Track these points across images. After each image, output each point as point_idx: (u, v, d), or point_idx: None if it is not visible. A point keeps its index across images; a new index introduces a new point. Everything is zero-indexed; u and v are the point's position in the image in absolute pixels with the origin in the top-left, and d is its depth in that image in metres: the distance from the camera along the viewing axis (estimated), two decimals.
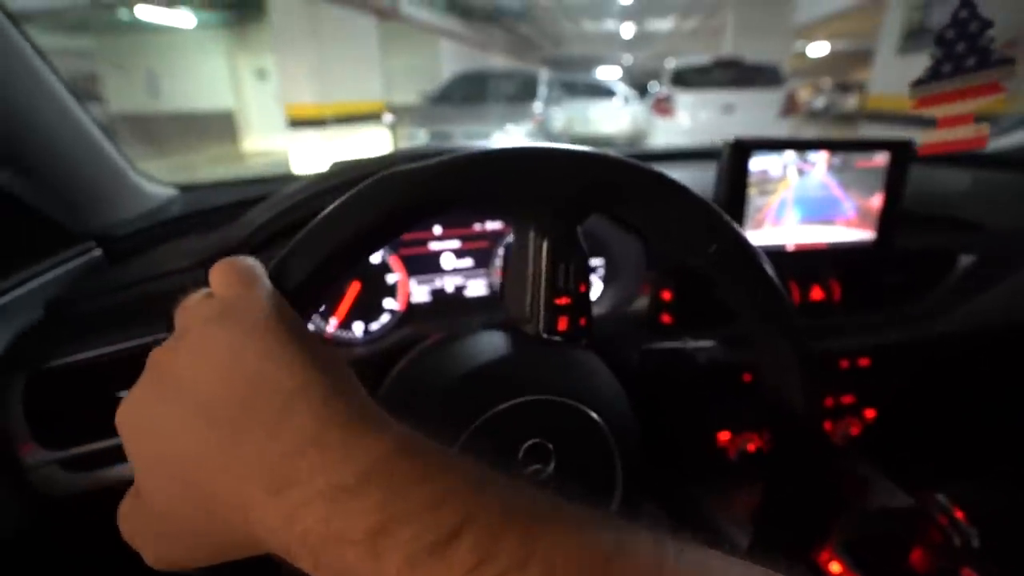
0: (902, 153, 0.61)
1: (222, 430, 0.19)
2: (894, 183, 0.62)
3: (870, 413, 0.73)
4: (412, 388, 0.44)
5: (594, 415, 0.39)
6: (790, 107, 5.43)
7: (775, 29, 9.39)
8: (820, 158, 0.61)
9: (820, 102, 13.01)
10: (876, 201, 0.63)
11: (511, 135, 5.39)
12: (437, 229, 0.60)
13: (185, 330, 0.22)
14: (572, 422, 0.39)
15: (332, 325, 0.56)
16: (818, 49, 14.79)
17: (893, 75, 5.55)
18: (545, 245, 0.30)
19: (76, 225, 0.59)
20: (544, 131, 5.71)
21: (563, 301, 0.32)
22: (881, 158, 0.62)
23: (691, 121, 5.61)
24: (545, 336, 0.32)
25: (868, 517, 0.62)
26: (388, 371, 0.48)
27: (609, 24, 12.27)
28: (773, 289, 0.32)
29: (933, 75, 0.37)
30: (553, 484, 0.31)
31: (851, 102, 11.50)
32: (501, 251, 0.62)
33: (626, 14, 10.80)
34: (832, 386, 0.70)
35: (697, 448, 0.70)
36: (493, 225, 0.62)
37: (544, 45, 14.54)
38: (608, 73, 17.08)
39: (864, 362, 0.69)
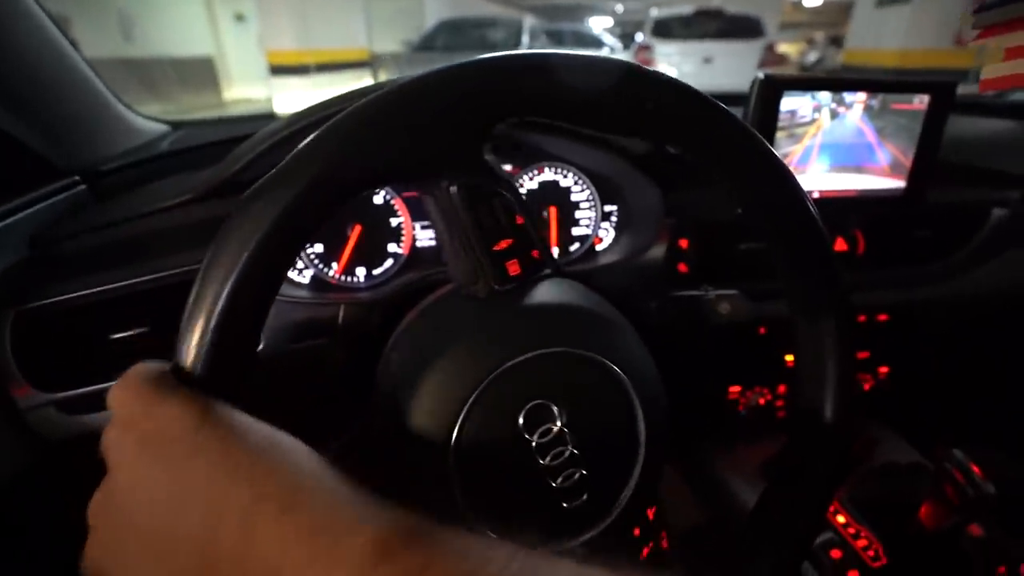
0: (943, 96, 0.57)
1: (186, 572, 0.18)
2: (932, 129, 0.59)
3: (883, 370, 0.72)
4: (408, 360, 0.35)
5: (606, 362, 0.32)
6: (770, 59, 5.47)
7: None
8: (856, 99, 0.58)
9: (812, 56, 12.86)
10: (910, 148, 0.60)
11: None
12: None
13: (113, 470, 0.21)
14: (578, 376, 0.32)
15: (335, 270, 0.55)
16: (813, 0, 14.44)
17: (871, 29, 5.57)
18: (454, 194, 0.28)
19: (60, 159, 0.56)
20: None
21: (503, 244, 0.30)
22: (920, 101, 0.58)
23: (671, 72, 5.65)
24: (499, 288, 0.30)
25: (876, 472, 0.61)
26: (393, 321, 0.41)
27: None
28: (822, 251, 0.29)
29: (990, 2, 0.35)
30: (564, 446, 0.30)
31: (840, 57, 11.42)
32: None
33: None
34: None
35: (708, 401, 0.69)
36: (503, 166, 0.60)
37: None
38: (600, 23, 16.58)
39: (882, 317, 0.67)
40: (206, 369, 0.22)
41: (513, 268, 0.30)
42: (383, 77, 6.82)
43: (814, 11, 15.46)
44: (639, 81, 0.26)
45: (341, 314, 0.51)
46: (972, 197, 0.70)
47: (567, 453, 0.30)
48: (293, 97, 6.54)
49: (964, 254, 0.70)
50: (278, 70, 6.61)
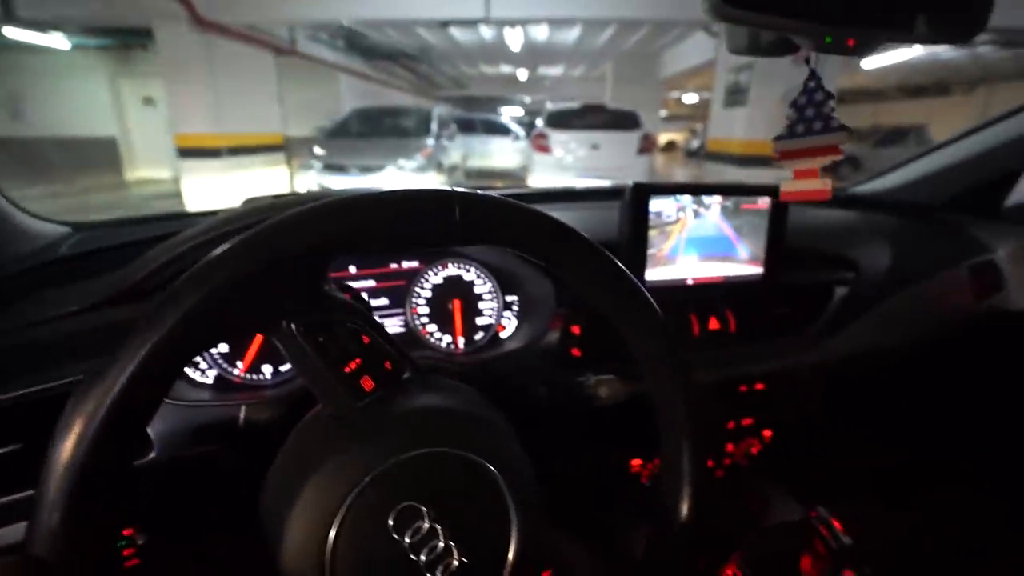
0: (779, 200, 0.68)
1: None
2: (776, 223, 0.70)
3: (767, 433, 0.79)
4: (279, 484, 0.34)
5: (464, 454, 0.33)
6: (646, 146, 6.34)
7: (645, 80, 10.79)
8: (714, 201, 0.68)
9: (696, 143, 14.85)
10: (761, 240, 0.71)
11: (403, 169, 5.73)
12: (352, 268, 0.61)
13: None
14: (440, 471, 0.33)
15: (239, 369, 0.54)
16: (690, 98, 16.90)
17: (723, 123, 6.72)
18: (296, 332, 0.30)
19: None
20: (434, 163, 6.14)
21: (352, 366, 0.32)
22: (764, 202, 0.69)
23: (564, 156, 6.36)
24: (359, 405, 0.32)
25: (767, 532, 0.65)
26: (296, 418, 0.39)
27: (505, 68, 13.18)
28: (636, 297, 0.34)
29: (790, 133, 0.42)
30: (436, 539, 0.31)
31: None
32: (417, 289, 0.63)
33: (520, 61, 11.76)
34: (733, 410, 0.76)
35: (611, 475, 0.73)
36: (408, 263, 0.63)
37: (445, 84, 15.21)
38: (510, 111, 18.18)
39: (760, 386, 0.74)
40: (58, 557, 0.22)
41: (367, 384, 0.33)
42: (296, 162, 7.02)
43: (692, 106, 18.08)
44: (445, 200, 0.30)
45: (242, 415, 0.50)
46: (819, 278, 0.81)
47: (440, 547, 0.31)
48: (201, 180, 6.57)
49: (818, 327, 0.80)
50: (187, 152, 6.64)
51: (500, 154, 9.15)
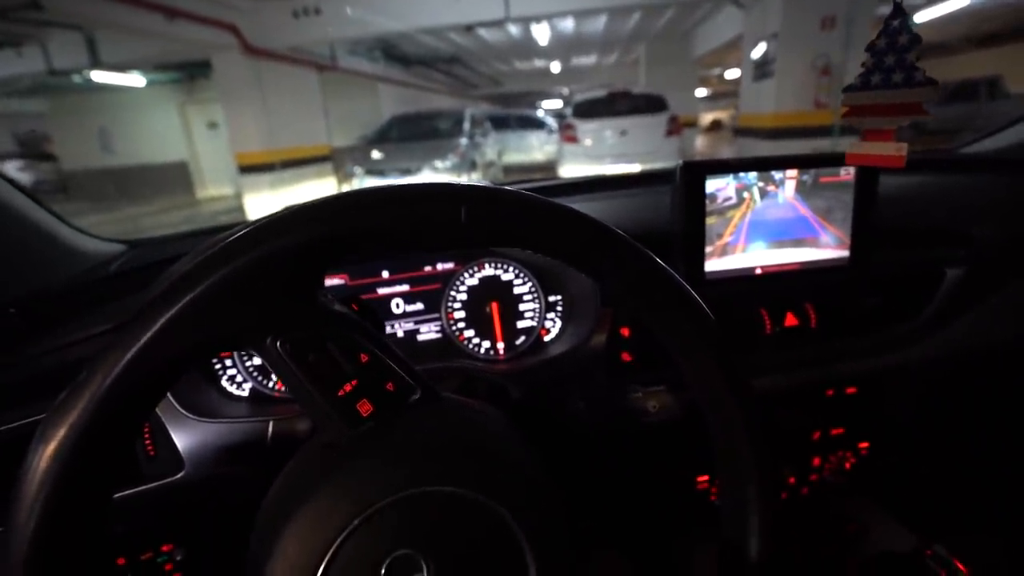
0: (868, 168, 0.58)
1: None
2: (864, 197, 0.59)
3: (863, 445, 0.68)
4: (269, 519, 0.30)
5: (473, 495, 0.29)
6: (673, 128, 6.35)
7: (678, 60, 10.64)
8: (787, 177, 0.58)
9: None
10: (847, 218, 0.60)
11: (438, 169, 6.06)
12: (385, 273, 0.58)
13: None
14: (442, 515, 0.28)
15: (275, 382, 0.53)
16: (732, 73, 16.36)
17: (753, 97, 6.60)
18: (283, 351, 0.27)
19: None
20: (468, 162, 6.44)
21: (348, 388, 0.29)
22: (847, 172, 0.59)
23: (592, 144, 6.48)
24: (354, 433, 0.29)
25: (871, 564, 0.58)
26: None
27: (538, 62, 13.33)
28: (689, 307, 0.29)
29: (863, 83, 0.37)
30: None
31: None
32: (452, 292, 0.60)
33: (551, 54, 11.88)
34: (819, 418, 0.66)
35: (677, 495, 0.65)
36: (443, 265, 0.60)
37: (483, 84, 15.54)
38: (551, 105, 18.30)
39: (851, 390, 0.64)
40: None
41: (364, 408, 0.29)
42: (342, 170, 7.55)
43: (735, 82, 17.47)
44: (449, 197, 0.27)
45: (270, 431, 0.48)
46: (919, 258, 0.67)
47: None
48: (260, 194, 7.24)
49: (928, 316, 0.67)
50: (247, 169, 7.33)
51: (535, 148, 9.38)
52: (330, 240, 0.26)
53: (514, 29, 8.82)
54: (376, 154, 6.31)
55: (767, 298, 0.64)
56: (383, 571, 0.27)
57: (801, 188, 0.59)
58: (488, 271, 0.61)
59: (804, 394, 0.64)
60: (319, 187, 8.03)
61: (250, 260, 0.24)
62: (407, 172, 6.02)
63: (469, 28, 7.65)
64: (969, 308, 0.67)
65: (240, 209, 7.54)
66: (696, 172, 0.56)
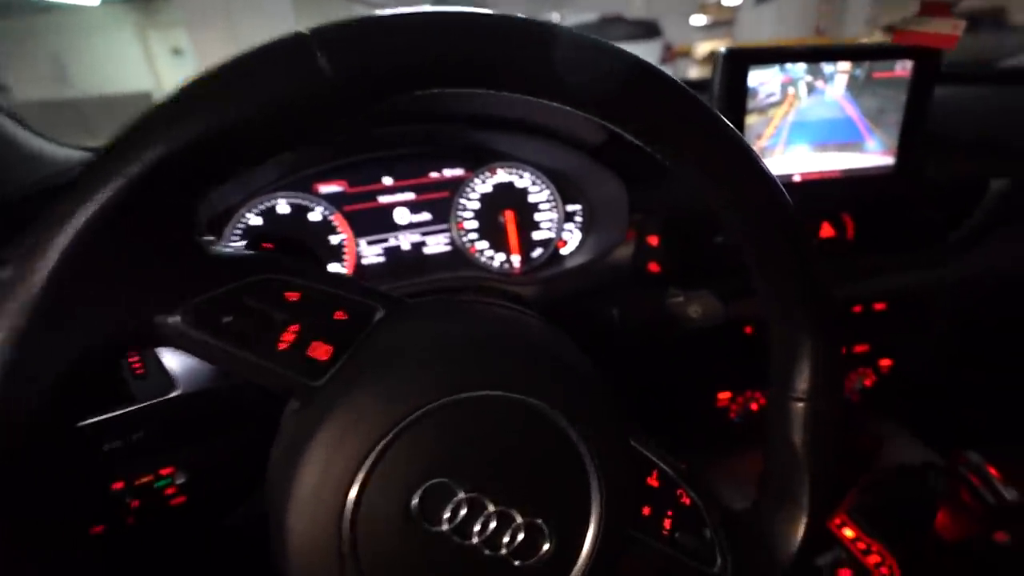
0: (928, 62, 0.53)
1: None
2: (918, 97, 0.54)
3: (886, 363, 0.67)
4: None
5: (497, 394, 0.23)
6: (667, 56, 6.09)
7: None
8: (838, 71, 0.53)
9: None
10: (896, 120, 0.55)
11: None
12: (387, 180, 0.54)
13: None
14: (461, 427, 0.23)
15: None
16: (732, 0, 15.54)
17: (751, 24, 6.31)
18: (181, 326, 0.21)
19: None
20: None
21: (289, 338, 0.23)
22: (903, 68, 0.53)
23: None
24: (319, 384, 0.23)
25: (885, 476, 0.56)
26: None
27: None
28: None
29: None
30: (482, 511, 0.23)
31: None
32: (462, 200, 0.56)
33: None
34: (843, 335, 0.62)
35: (695, 410, 0.64)
36: (452, 172, 0.55)
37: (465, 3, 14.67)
38: None
39: (879, 307, 0.62)
40: None
41: (320, 352, 0.23)
42: None
43: (734, 10, 16.68)
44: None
45: None
46: (967, 170, 0.63)
47: (492, 523, 0.23)
48: None
49: (963, 232, 0.63)
50: None
51: None
52: (175, 162, 0.19)
53: None
54: None
55: (804, 207, 0.60)
56: (414, 509, 0.22)
57: (852, 84, 0.54)
58: (502, 176, 0.56)
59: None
60: None
61: (81, 234, 0.18)
62: None
63: None
64: (1009, 223, 0.63)
65: None
66: (739, 61, 0.50)
